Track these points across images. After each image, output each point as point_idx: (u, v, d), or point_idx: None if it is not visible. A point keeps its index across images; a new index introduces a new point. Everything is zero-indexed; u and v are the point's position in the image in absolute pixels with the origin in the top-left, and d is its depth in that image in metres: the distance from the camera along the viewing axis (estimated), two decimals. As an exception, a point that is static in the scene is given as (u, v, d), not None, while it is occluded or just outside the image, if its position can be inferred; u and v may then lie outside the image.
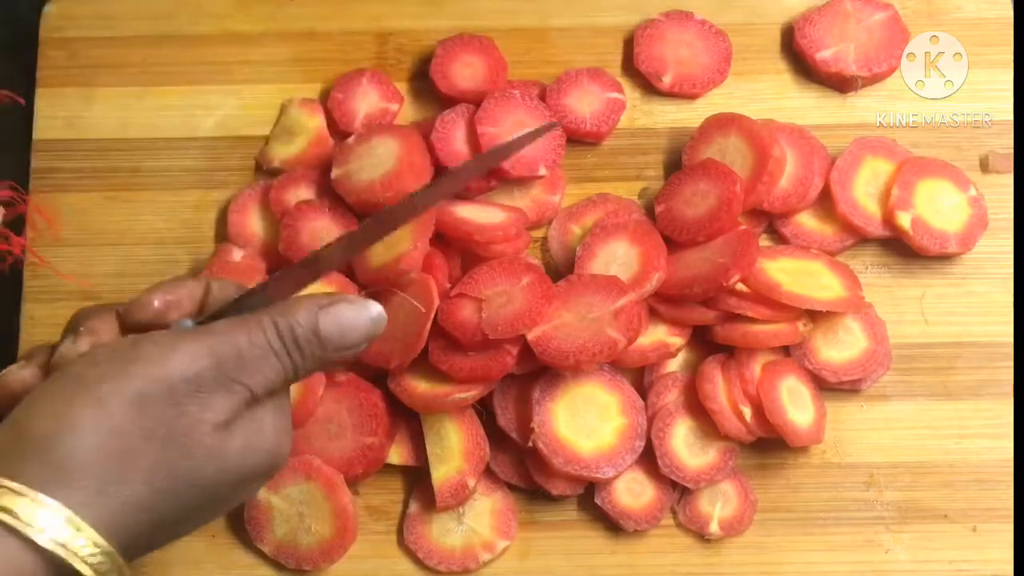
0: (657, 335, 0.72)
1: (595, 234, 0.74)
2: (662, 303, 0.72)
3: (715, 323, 0.72)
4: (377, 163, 0.75)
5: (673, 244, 0.74)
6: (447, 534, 0.72)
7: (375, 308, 0.59)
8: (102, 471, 0.51)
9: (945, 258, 0.76)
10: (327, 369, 0.63)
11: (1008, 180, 0.77)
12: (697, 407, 0.72)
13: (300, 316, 0.57)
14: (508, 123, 0.76)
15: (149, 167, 0.79)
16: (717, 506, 0.72)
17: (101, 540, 0.50)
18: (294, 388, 0.70)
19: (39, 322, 0.76)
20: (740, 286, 0.71)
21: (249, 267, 0.74)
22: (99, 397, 0.52)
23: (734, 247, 0.71)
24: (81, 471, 0.51)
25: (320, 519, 0.71)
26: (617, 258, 0.73)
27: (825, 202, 0.76)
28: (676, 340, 0.72)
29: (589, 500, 0.72)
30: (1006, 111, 0.79)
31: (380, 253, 0.72)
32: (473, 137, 0.76)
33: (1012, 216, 0.77)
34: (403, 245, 0.71)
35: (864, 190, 0.76)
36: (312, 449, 0.72)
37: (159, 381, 0.53)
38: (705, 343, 0.74)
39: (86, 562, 0.50)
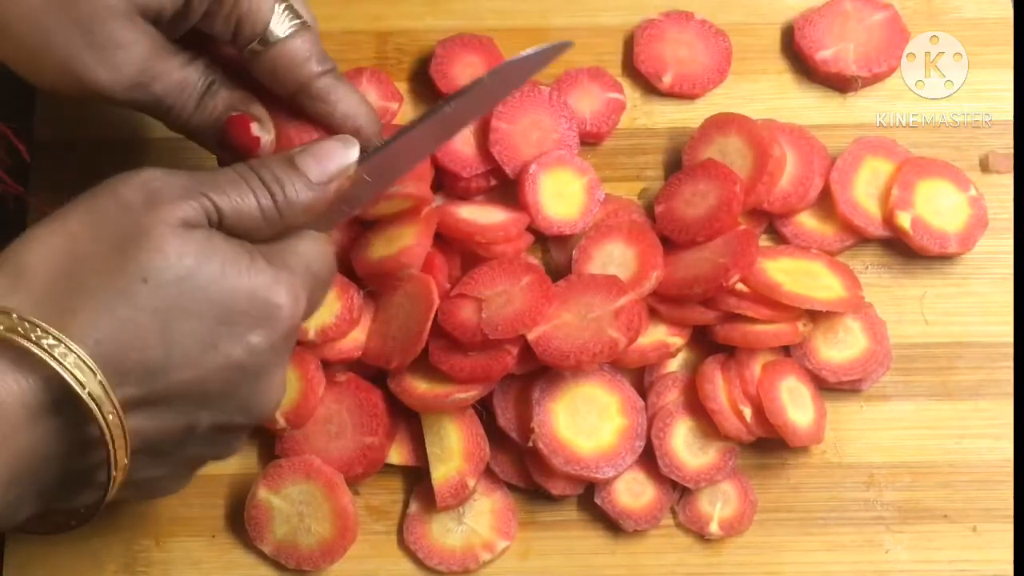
0: (657, 335, 0.72)
1: (590, 236, 0.74)
2: (662, 303, 0.72)
3: (715, 323, 0.72)
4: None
5: (673, 244, 0.74)
6: (447, 534, 0.72)
7: (350, 141, 0.61)
8: (53, 273, 0.52)
9: (945, 258, 0.76)
10: (313, 220, 0.62)
11: (1008, 180, 0.77)
12: (697, 407, 0.72)
13: (277, 155, 0.60)
14: (525, 121, 0.76)
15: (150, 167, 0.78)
16: (717, 506, 0.72)
17: (55, 331, 0.50)
18: (293, 387, 0.71)
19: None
20: (740, 286, 0.71)
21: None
22: (58, 215, 0.54)
23: (734, 247, 0.71)
24: (32, 276, 0.51)
25: (320, 519, 0.71)
26: (614, 259, 0.73)
27: (825, 202, 0.76)
28: (676, 340, 0.72)
29: (589, 500, 0.72)
30: (1006, 111, 0.79)
31: (381, 246, 0.72)
32: (484, 134, 0.76)
33: (1012, 216, 0.77)
34: (405, 239, 0.71)
35: (864, 190, 0.76)
36: (312, 449, 0.72)
37: (114, 192, 0.54)
38: (705, 343, 0.74)
39: (47, 351, 0.50)
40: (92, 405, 0.50)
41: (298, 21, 0.64)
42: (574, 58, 0.80)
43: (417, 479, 0.73)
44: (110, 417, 0.51)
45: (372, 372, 0.73)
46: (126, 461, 0.53)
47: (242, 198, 0.57)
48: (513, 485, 0.73)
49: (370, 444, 0.72)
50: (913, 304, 0.76)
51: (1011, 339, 0.75)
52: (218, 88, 0.63)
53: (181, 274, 0.53)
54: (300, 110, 0.65)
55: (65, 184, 0.78)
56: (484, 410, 0.72)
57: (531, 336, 0.70)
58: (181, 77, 0.62)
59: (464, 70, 0.79)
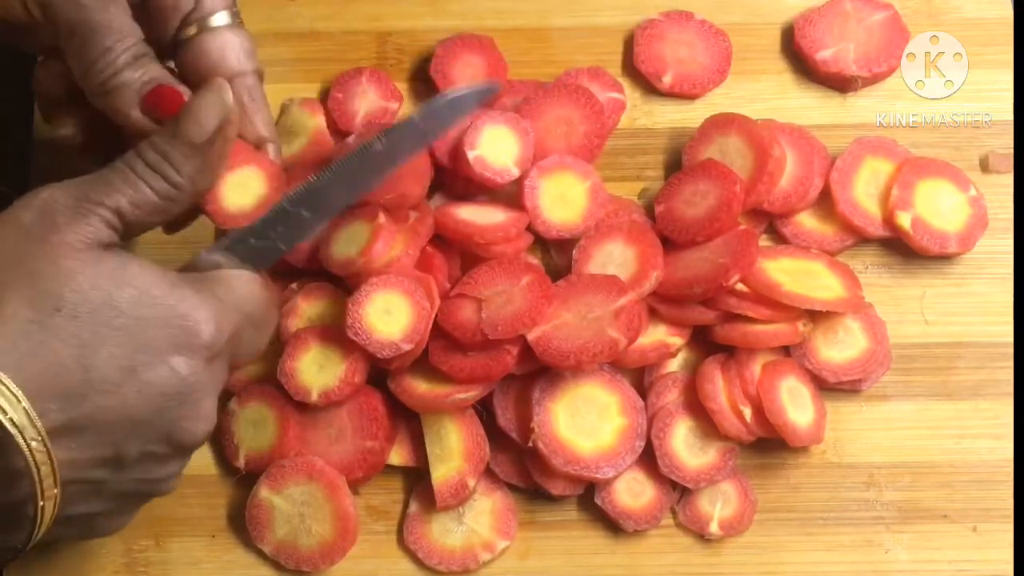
0: (657, 335, 0.72)
1: (590, 236, 0.74)
2: (662, 303, 0.72)
3: (715, 323, 0.72)
4: (377, 164, 0.75)
5: (673, 244, 0.74)
6: (447, 534, 0.72)
7: (220, 84, 0.61)
8: None
9: (945, 258, 0.76)
10: (210, 180, 0.63)
11: (1008, 180, 0.77)
12: (697, 407, 0.72)
13: (157, 132, 0.59)
14: (551, 117, 0.76)
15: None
16: (717, 506, 0.72)
17: None
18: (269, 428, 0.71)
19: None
20: (740, 286, 0.71)
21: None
22: None
23: (734, 247, 0.71)
24: None
25: (321, 520, 0.71)
26: (614, 259, 0.73)
27: (825, 202, 0.76)
28: (676, 340, 0.72)
29: (589, 500, 0.72)
30: (1006, 111, 0.79)
31: (343, 244, 0.72)
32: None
33: (1012, 216, 0.77)
34: (363, 237, 0.71)
35: (864, 190, 0.76)
36: (312, 452, 0.72)
37: (15, 219, 0.54)
38: (705, 343, 0.74)
39: None
40: (15, 432, 0.50)
41: (239, 19, 0.65)
42: (574, 58, 0.80)
43: (417, 479, 0.73)
44: (34, 444, 0.50)
45: (372, 374, 0.72)
46: (56, 491, 0.52)
47: (135, 190, 0.57)
48: (513, 485, 0.73)
49: (370, 448, 0.72)
50: (913, 304, 0.76)
51: (1011, 339, 0.75)
52: (150, 59, 0.63)
53: (95, 301, 0.53)
54: None
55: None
56: (484, 410, 0.72)
57: (531, 336, 0.70)
58: (127, 28, 0.62)
59: (464, 70, 0.79)
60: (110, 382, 0.53)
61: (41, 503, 0.52)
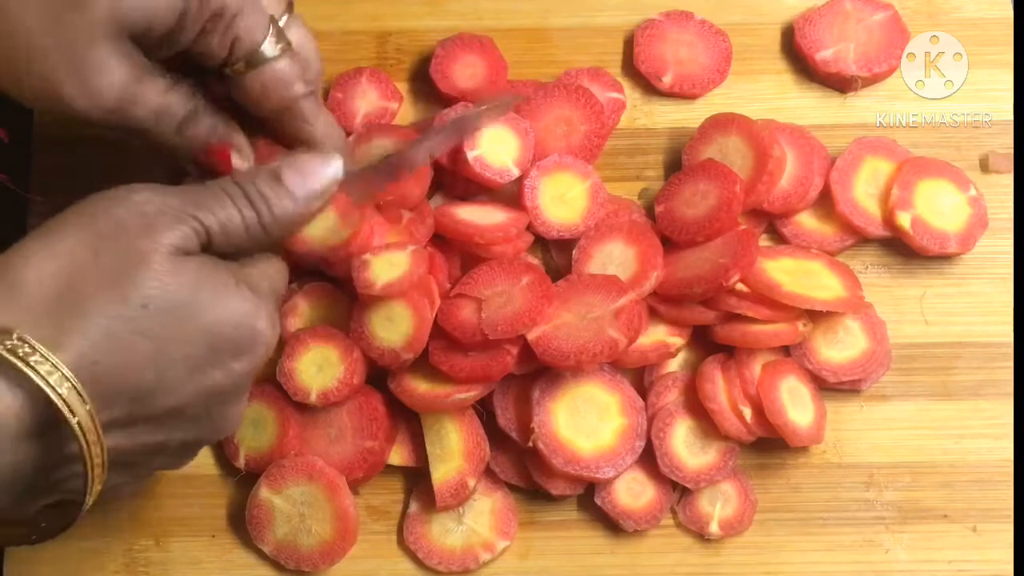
0: (657, 335, 0.72)
1: (590, 236, 0.74)
2: (662, 303, 0.72)
3: (715, 323, 0.72)
4: (378, 164, 0.75)
5: (673, 244, 0.74)
6: (447, 534, 0.72)
7: (334, 156, 0.63)
8: (51, 291, 0.52)
9: (945, 258, 0.76)
10: (297, 231, 0.64)
11: (1008, 180, 0.77)
12: (697, 407, 0.72)
13: (262, 169, 0.61)
14: (551, 117, 0.76)
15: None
16: (717, 506, 0.72)
17: (52, 356, 0.50)
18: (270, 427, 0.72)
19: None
20: (740, 286, 0.71)
21: None
22: (51, 229, 0.54)
23: (734, 247, 0.71)
24: (29, 293, 0.52)
25: (321, 521, 0.71)
26: (614, 259, 0.73)
27: (825, 202, 0.76)
28: (676, 340, 0.72)
29: (589, 500, 0.72)
30: (1006, 111, 0.79)
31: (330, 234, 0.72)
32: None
33: (1012, 216, 0.77)
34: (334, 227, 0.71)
35: (864, 190, 0.76)
36: (311, 452, 0.72)
37: (109, 214, 0.55)
38: (705, 343, 0.74)
39: (42, 375, 0.50)
40: (79, 432, 0.51)
41: (285, 42, 0.65)
42: (574, 58, 0.80)
43: (417, 479, 0.73)
44: (92, 443, 0.52)
45: (372, 374, 0.72)
46: (100, 483, 0.54)
47: (229, 217, 0.58)
48: (513, 485, 0.73)
49: (370, 448, 0.72)
50: (913, 304, 0.76)
51: (1011, 339, 0.75)
52: (200, 115, 0.64)
53: (179, 302, 0.54)
54: (278, 130, 0.67)
55: (65, 184, 0.79)
56: (484, 410, 0.72)
57: (531, 336, 0.70)
58: (163, 103, 0.62)
59: (464, 70, 0.79)
60: (179, 382, 0.55)
61: (88, 493, 0.53)
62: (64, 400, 0.51)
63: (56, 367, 0.51)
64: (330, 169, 0.63)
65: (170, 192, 0.58)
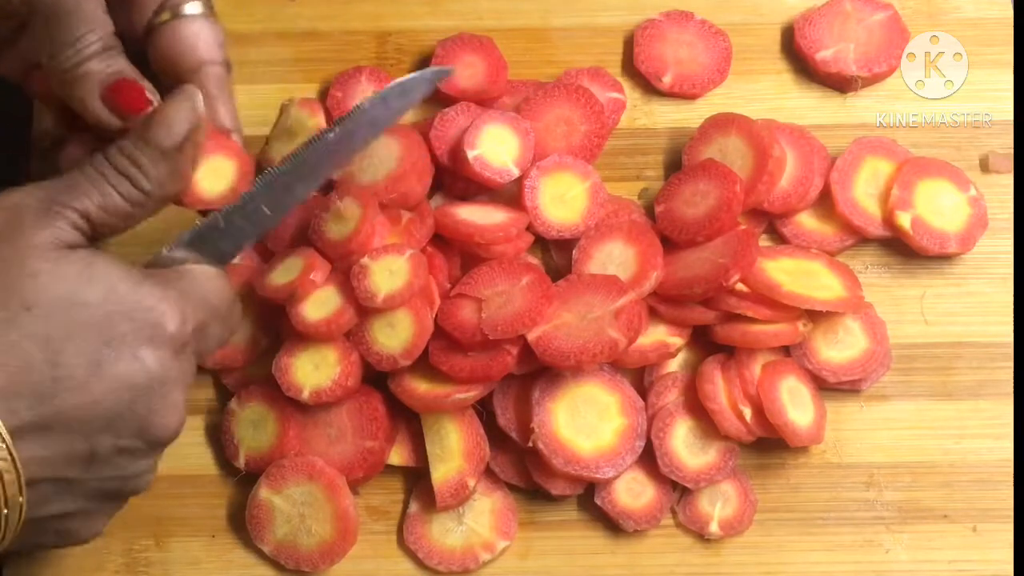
0: (657, 335, 0.72)
1: (590, 236, 0.74)
2: (662, 303, 0.72)
3: (715, 323, 0.72)
4: (379, 164, 0.75)
5: (673, 244, 0.74)
6: (447, 534, 0.72)
7: (190, 90, 0.62)
8: None
9: (945, 258, 0.76)
10: (182, 184, 0.63)
11: (1008, 180, 0.77)
12: (697, 407, 0.72)
13: (127, 136, 0.60)
14: (551, 117, 0.76)
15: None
16: (717, 506, 0.72)
17: None
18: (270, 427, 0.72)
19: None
20: (740, 286, 0.71)
21: (247, 267, 0.74)
22: None
23: (734, 247, 0.71)
24: None
25: (321, 521, 0.71)
26: (614, 259, 0.73)
27: (825, 202, 0.76)
28: (676, 340, 0.72)
29: (589, 500, 0.72)
30: (1006, 111, 0.79)
31: (335, 228, 0.72)
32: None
33: (1012, 216, 0.77)
34: (352, 222, 0.71)
35: (864, 190, 0.76)
36: (311, 452, 0.72)
37: None
38: (705, 343, 0.74)
39: None
40: None
41: (209, 8, 0.66)
42: (574, 58, 0.80)
43: (417, 479, 0.73)
44: None
45: (372, 374, 0.72)
46: (21, 499, 0.52)
47: (104, 196, 0.57)
48: (513, 485, 0.73)
49: (370, 448, 0.72)
50: (913, 304, 0.76)
51: (1011, 339, 0.75)
52: (120, 53, 0.64)
53: (63, 299, 0.53)
54: None
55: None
56: (484, 410, 0.72)
57: (531, 336, 0.70)
58: (102, 18, 0.63)
59: (464, 70, 0.79)
60: (77, 379, 0.53)
61: (5, 511, 0.52)
62: None
63: None
64: (187, 103, 0.62)
65: (43, 187, 0.57)
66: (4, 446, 0.51)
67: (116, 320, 0.54)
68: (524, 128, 0.75)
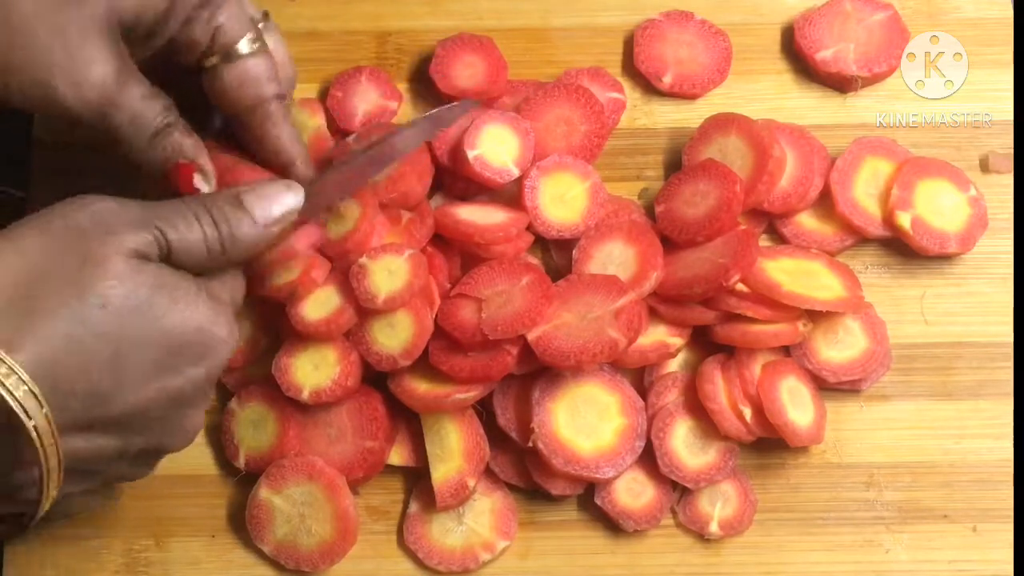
0: (657, 335, 0.72)
1: (590, 236, 0.74)
2: (662, 303, 0.72)
3: (715, 323, 0.72)
4: (379, 164, 0.75)
5: (673, 244, 0.74)
6: (447, 534, 0.72)
7: (295, 185, 0.63)
8: (8, 291, 0.52)
9: (945, 258, 0.76)
10: (259, 259, 0.66)
11: (1008, 180, 0.77)
12: (697, 407, 0.72)
13: (224, 191, 0.61)
14: (551, 117, 0.76)
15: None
16: (717, 506, 0.72)
17: (9, 358, 0.50)
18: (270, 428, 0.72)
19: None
20: (740, 286, 0.71)
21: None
22: (10, 233, 0.54)
23: (734, 247, 0.71)
24: None
25: (321, 521, 0.71)
26: (614, 259, 0.73)
27: (825, 202, 0.76)
28: (676, 340, 0.72)
29: (589, 500, 0.72)
30: (1006, 111, 0.79)
31: (334, 227, 0.72)
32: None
33: (1012, 216, 0.77)
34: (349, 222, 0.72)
35: (864, 190, 0.76)
36: (311, 452, 0.72)
37: (66, 217, 0.55)
38: (705, 343, 0.74)
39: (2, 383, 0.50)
40: (35, 436, 0.51)
41: (262, 42, 0.66)
42: (574, 58, 0.80)
43: (417, 479, 0.73)
44: (48, 446, 0.52)
45: (372, 374, 0.72)
46: (56, 489, 0.54)
47: (190, 233, 0.58)
48: (513, 485, 0.73)
49: (370, 448, 0.72)
50: (913, 304, 0.76)
51: (1011, 339, 0.75)
52: (173, 130, 0.64)
53: (137, 303, 0.54)
54: (245, 136, 0.68)
55: (65, 184, 0.79)
56: (484, 410, 0.72)
57: (531, 336, 0.70)
58: (140, 109, 0.63)
59: (464, 70, 0.79)
60: (135, 385, 0.55)
61: (44, 497, 0.53)
62: (20, 404, 0.50)
63: (12, 369, 0.50)
64: (291, 196, 0.63)
65: (133, 203, 0.58)
66: (53, 443, 0.52)
67: (181, 333, 0.56)
68: (524, 128, 0.75)
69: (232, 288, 0.62)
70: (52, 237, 0.54)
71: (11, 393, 0.50)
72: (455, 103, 0.74)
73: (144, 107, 0.63)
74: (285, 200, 0.63)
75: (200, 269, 0.59)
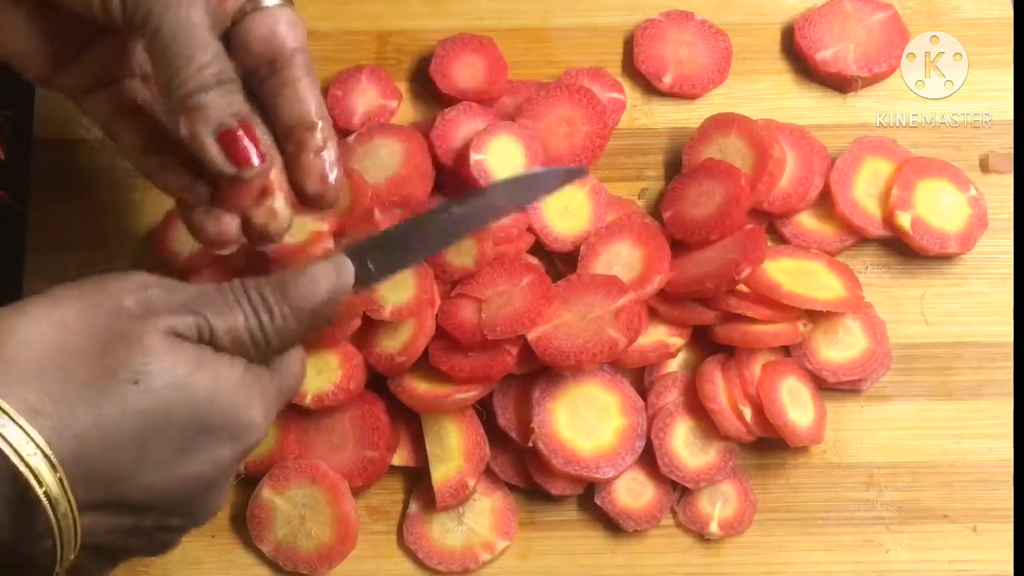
0: (657, 335, 0.72)
1: (600, 234, 0.74)
2: (662, 303, 0.72)
3: (715, 323, 0.72)
4: (381, 165, 0.75)
5: (683, 246, 0.74)
6: (447, 534, 0.72)
7: (344, 261, 0.58)
8: (43, 359, 0.51)
9: (945, 258, 0.76)
10: (309, 336, 0.61)
11: (1008, 180, 0.77)
12: (697, 407, 0.72)
13: (269, 276, 0.57)
14: (552, 117, 0.76)
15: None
16: (717, 506, 0.72)
17: (26, 423, 0.49)
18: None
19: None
20: (740, 286, 0.71)
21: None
22: (49, 297, 0.53)
23: (743, 243, 0.71)
24: (20, 358, 0.50)
25: (321, 524, 0.71)
26: (620, 259, 0.73)
27: (825, 202, 0.76)
28: (676, 340, 0.72)
29: (589, 500, 0.72)
30: (1006, 111, 0.79)
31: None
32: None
33: (1012, 216, 0.77)
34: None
35: (864, 190, 0.76)
36: (312, 458, 0.72)
37: (108, 292, 0.53)
38: (705, 343, 0.74)
39: (9, 442, 0.48)
40: (46, 503, 0.49)
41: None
42: (574, 58, 0.80)
43: (417, 479, 0.73)
44: (62, 515, 0.50)
45: (373, 377, 0.72)
46: (72, 556, 0.52)
47: (233, 320, 0.56)
48: (513, 485, 0.73)
49: (371, 458, 0.72)
50: (913, 304, 0.76)
51: (1011, 339, 0.75)
52: (239, 87, 0.60)
53: (171, 381, 0.52)
54: (264, 89, 0.62)
55: (65, 184, 0.79)
56: (484, 410, 0.72)
57: (531, 336, 0.70)
58: (213, 38, 0.58)
59: (464, 70, 0.79)
60: (160, 463, 0.53)
61: (58, 569, 0.52)
62: (31, 468, 0.49)
63: (28, 435, 0.49)
64: (335, 273, 0.59)
65: (175, 285, 0.56)
66: (70, 514, 0.50)
67: (212, 415, 0.54)
68: (535, 148, 0.75)
69: (288, 375, 0.59)
70: (90, 309, 0.53)
71: (20, 457, 0.48)
72: (559, 169, 0.70)
73: (218, 43, 0.58)
74: (328, 278, 0.58)
75: (249, 354, 0.57)
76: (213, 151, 0.58)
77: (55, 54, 0.62)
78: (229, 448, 0.55)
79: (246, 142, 0.58)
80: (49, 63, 0.63)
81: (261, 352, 0.57)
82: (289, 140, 0.61)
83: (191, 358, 0.54)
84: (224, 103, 0.58)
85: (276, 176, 0.61)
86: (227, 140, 0.58)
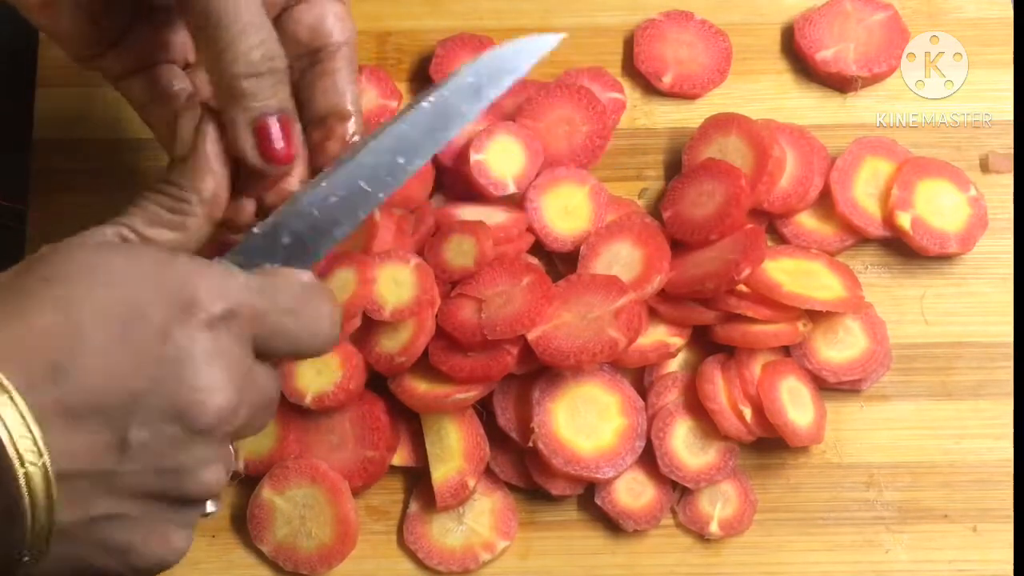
0: (657, 335, 0.72)
1: (600, 234, 0.74)
2: (662, 303, 0.72)
3: (715, 323, 0.72)
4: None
5: (683, 246, 0.74)
6: (447, 534, 0.72)
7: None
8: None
9: (945, 258, 0.76)
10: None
11: (1008, 180, 0.77)
12: (697, 407, 0.72)
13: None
14: (553, 117, 0.76)
15: (150, 167, 0.79)
16: (717, 506, 0.72)
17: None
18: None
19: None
20: (740, 286, 0.71)
21: None
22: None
23: (743, 243, 0.71)
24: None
25: (321, 524, 0.71)
26: (620, 259, 0.73)
27: (825, 202, 0.76)
28: (676, 340, 0.72)
29: (589, 500, 0.72)
30: (1006, 111, 0.79)
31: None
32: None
33: (1012, 216, 0.77)
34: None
35: (864, 190, 0.76)
36: (312, 458, 0.72)
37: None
38: (705, 343, 0.74)
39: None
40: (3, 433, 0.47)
41: None
42: (574, 58, 0.80)
43: (417, 479, 0.73)
44: (21, 443, 0.47)
45: (372, 377, 0.72)
46: (53, 492, 0.48)
47: (148, 212, 0.56)
48: (513, 485, 0.73)
49: (371, 458, 0.72)
50: (913, 304, 0.76)
51: (1011, 339, 0.75)
52: (287, 79, 0.58)
53: (83, 267, 0.51)
54: (307, 78, 0.62)
55: (65, 185, 0.79)
56: (484, 410, 0.72)
57: (531, 336, 0.70)
58: (266, 22, 0.57)
59: (464, 70, 0.79)
60: (99, 347, 0.49)
61: (31, 510, 0.48)
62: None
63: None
64: (192, 114, 0.58)
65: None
66: (22, 422, 0.47)
67: (143, 288, 0.51)
68: (535, 148, 0.75)
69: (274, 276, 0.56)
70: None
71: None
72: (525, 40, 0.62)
73: (271, 28, 0.57)
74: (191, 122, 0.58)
75: (188, 228, 0.56)
76: (248, 142, 0.57)
77: (100, 35, 0.62)
78: (177, 324, 0.51)
79: (281, 141, 0.58)
80: (93, 44, 0.62)
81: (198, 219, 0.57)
82: (319, 127, 0.61)
83: (111, 248, 0.53)
84: (270, 94, 0.57)
85: (297, 162, 0.60)
86: (263, 135, 0.58)
